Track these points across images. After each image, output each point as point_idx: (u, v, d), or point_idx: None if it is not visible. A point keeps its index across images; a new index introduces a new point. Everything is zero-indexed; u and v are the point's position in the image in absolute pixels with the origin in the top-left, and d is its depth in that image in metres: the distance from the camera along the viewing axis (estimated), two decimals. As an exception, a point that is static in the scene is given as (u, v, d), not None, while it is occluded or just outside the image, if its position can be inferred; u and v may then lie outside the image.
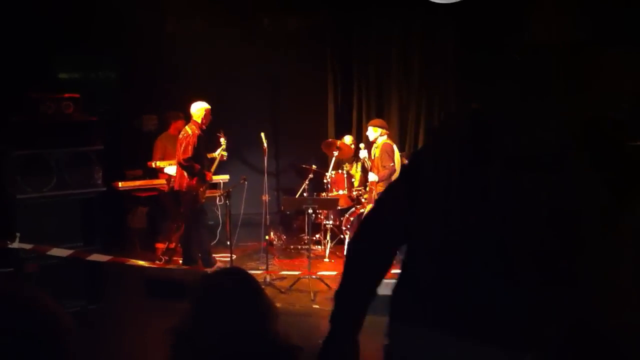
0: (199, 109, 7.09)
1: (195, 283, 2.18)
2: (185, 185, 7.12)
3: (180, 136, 7.09)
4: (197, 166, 7.05)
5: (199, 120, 7.07)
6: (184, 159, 6.97)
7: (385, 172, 7.62)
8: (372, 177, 7.71)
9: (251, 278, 2.14)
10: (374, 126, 7.82)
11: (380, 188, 7.66)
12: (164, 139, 8.25)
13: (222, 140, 7.40)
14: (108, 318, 5.77)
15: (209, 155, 7.38)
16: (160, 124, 8.61)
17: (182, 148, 6.99)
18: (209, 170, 7.32)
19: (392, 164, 7.66)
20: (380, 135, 7.77)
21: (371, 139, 7.87)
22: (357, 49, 9.59)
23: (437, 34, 9.02)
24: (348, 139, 8.86)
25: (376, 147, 7.80)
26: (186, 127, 7.13)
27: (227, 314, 2.02)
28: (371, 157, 7.89)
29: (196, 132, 7.02)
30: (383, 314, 6.12)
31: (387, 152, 7.66)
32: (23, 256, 5.45)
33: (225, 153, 7.50)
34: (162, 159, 8.07)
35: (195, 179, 7.08)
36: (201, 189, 7.17)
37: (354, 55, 9.65)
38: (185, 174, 7.09)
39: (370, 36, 9.42)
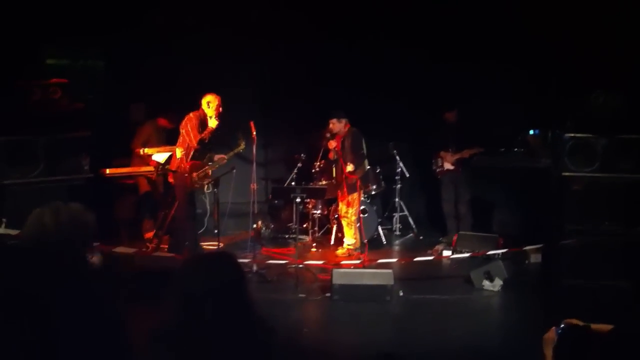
0: (203, 98, 7.12)
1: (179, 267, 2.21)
2: (175, 165, 7.12)
3: (182, 123, 7.11)
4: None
5: (203, 108, 7.09)
6: (197, 142, 7.02)
7: (359, 159, 7.75)
8: (349, 167, 7.73)
9: (233, 260, 2.16)
10: (338, 118, 7.83)
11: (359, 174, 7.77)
12: (149, 126, 8.21)
13: (240, 141, 7.35)
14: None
15: (216, 157, 7.26)
16: (148, 113, 8.55)
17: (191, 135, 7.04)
18: (199, 160, 7.19)
19: (362, 151, 7.82)
20: (345, 125, 7.83)
21: (336, 130, 7.87)
22: (347, 40, 9.54)
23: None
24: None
25: (345, 137, 7.85)
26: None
27: (209, 287, 2.03)
28: (340, 148, 7.90)
29: (191, 116, 7.04)
30: (365, 302, 6.12)
31: (358, 139, 7.81)
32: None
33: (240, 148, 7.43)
34: (145, 145, 8.02)
35: (189, 163, 7.05)
36: (194, 175, 7.10)
37: (344, 46, 9.60)
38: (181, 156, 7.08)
39: (359, 26, 9.36)
